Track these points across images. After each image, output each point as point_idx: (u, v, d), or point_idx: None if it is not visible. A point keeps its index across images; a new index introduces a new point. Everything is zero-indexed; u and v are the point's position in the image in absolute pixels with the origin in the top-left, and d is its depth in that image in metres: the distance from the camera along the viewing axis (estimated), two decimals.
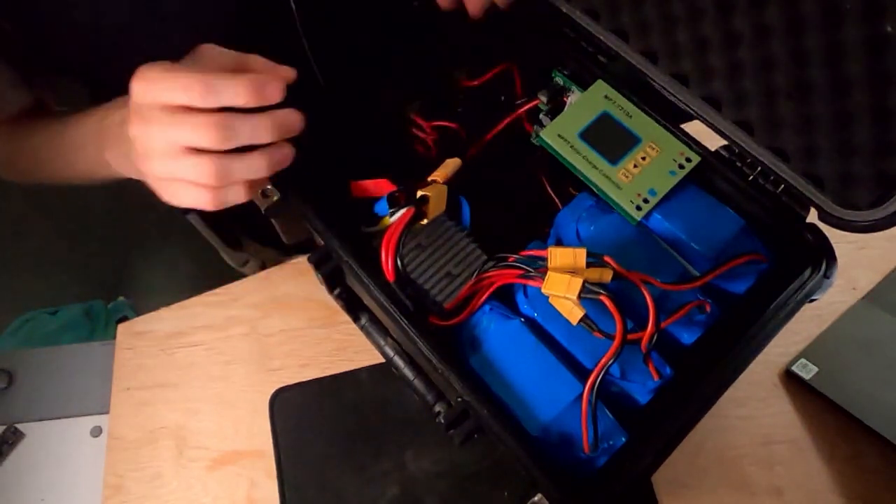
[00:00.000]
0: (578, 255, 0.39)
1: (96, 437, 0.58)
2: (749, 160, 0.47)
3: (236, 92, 0.36)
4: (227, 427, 0.57)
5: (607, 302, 0.37)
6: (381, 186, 0.47)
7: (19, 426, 0.59)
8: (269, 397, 0.58)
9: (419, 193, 0.44)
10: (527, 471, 0.38)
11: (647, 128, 0.49)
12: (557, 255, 0.39)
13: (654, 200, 0.47)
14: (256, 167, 0.38)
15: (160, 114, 0.36)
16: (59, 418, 0.59)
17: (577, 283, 0.37)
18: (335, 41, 0.61)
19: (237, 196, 0.40)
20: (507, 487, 0.53)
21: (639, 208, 0.47)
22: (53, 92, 0.59)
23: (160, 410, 0.58)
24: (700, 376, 0.41)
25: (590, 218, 0.48)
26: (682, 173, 0.48)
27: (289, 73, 0.40)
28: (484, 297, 0.44)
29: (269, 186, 0.44)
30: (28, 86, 0.56)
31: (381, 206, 0.45)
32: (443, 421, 0.40)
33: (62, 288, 1.41)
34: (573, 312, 0.38)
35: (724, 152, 0.48)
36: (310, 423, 0.56)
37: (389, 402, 0.57)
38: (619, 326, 0.37)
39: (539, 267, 0.41)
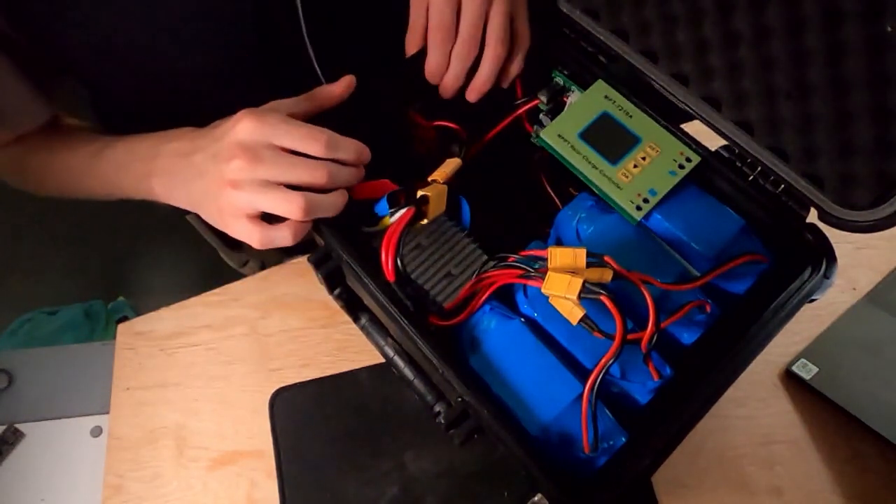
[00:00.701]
0: (578, 255, 0.39)
1: (96, 437, 0.58)
2: (749, 160, 0.47)
3: (348, 152, 0.43)
4: (227, 427, 0.57)
5: (607, 302, 0.37)
6: (381, 186, 0.47)
7: (19, 426, 0.59)
8: (269, 397, 0.58)
9: (419, 193, 0.44)
10: (527, 471, 0.38)
11: (647, 128, 0.49)
12: (557, 255, 0.39)
13: (654, 200, 0.47)
14: (329, 205, 0.43)
15: (271, 153, 0.41)
16: (59, 418, 0.59)
17: (578, 283, 0.37)
18: (338, 43, 0.61)
19: (285, 239, 0.44)
20: (507, 487, 0.53)
21: (639, 208, 0.47)
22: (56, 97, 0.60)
23: (160, 410, 0.58)
24: (700, 376, 0.41)
25: (590, 218, 0.48)
26: (683, 173, 0.48)
27: (350, 81, 0.47)
28: (484, 297, 0.44)
29: None
30: (47, 99, 0.56)
31: (382, 206, 0.45)
32: (443, 421, 0.40)
33: (62, 288, 1.41)
34: (573, 312, 0.38)
35: (724, 152, 0.48)
36: (310, 423, 0.56)
37: (389, 402, 0.57)
38: (619, 326, 0.37)
39: (539, 267, 0.41)
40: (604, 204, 0.49)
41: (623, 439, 0.40)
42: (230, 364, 0.60)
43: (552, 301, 0.39)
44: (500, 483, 0.53)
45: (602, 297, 0.37)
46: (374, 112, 0.50)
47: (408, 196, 0.44)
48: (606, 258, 0.39)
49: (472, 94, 0.50)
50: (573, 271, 0.38)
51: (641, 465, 0.38)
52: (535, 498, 0.39)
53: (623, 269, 0.39)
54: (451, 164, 0.48)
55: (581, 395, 0.39)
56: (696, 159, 0.48)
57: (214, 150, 0.43)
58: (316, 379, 0.58)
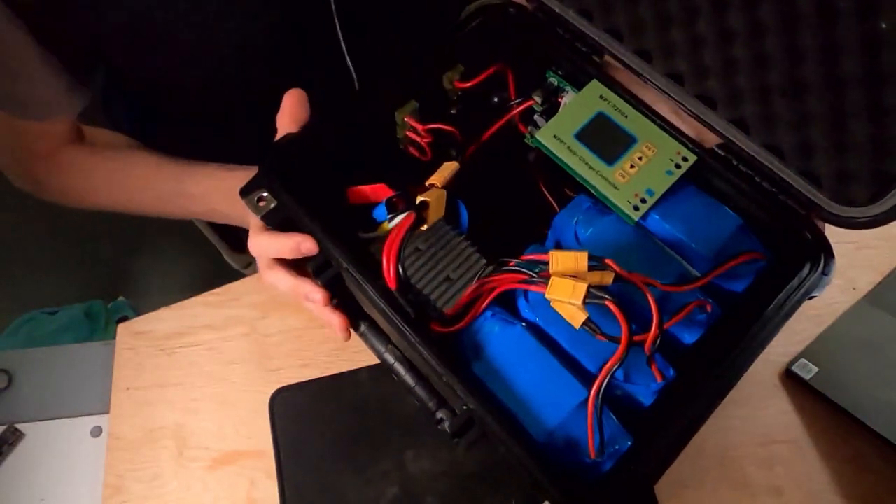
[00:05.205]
0: (580, 259, 0.38)
1: (96, 437, 0.59)
2: (745, 158, 0.47)
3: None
4: (227, 427, 0.57)
5: (613, 308, 0.37)
6: (378, 192, 0.46)
7: (19, 426, 0.59)
8: (269, 397, 0.58)
9: (419, 199, 0.44)
10: (533, 477, 0.37)
11: (643, 127, 0.49)
12: (559, 260, 0.39)
13: (651, 200, 0.47)
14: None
15: (267, 262, 0.49)
16: (59, 418, 0.60)
17: (582, 288, 0.37)
18: (368, 24, 0.61)
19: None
20: (507, 487, 0.53)
21: (636, 208, 0.47)
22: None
23: (160, 410, 0.58)
24: (704, 376, 0.41)
25: (588, 220, 0.48)
26: (679, 173, 0.47)
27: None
28: (486, 303, 0.44)
29: (264, 193, 0.44)
30: (81, 88, 0.57)
31: (380, 212, 0.44)
32: (448, 430, 0.40)
33: (62, 288, 1.41)
34: (576, 316, 0.38)
35: (720, 151, 0.48)
36: (310, 423, 0.57)
37: (389, 402, 0.57)
38: (624, 332, 0.37)
39: (540, 271, 0.41)
40: (601, 205, 0.48)
41: (628, 443, 0.40)
42: (230, 364, 0.60)
43: (554, 305, 0.39)
44: (500, 482, 0.53)
45: (607, 303, 0.37)
46: (369, 117, 0.50)
47: (406, 201, 0.44)
48: (608, 261, 0.39)
49: None
50: (575, 275, 0.38)
51: (647, 469, 0.38)
52: None
53: (625, 272, 0.39)
54: (448, 168, 0.47)
55: (585, 400, 0.39)
56: (692, 158, 0.48)
57: None
58: (316, 379, 0.59)
